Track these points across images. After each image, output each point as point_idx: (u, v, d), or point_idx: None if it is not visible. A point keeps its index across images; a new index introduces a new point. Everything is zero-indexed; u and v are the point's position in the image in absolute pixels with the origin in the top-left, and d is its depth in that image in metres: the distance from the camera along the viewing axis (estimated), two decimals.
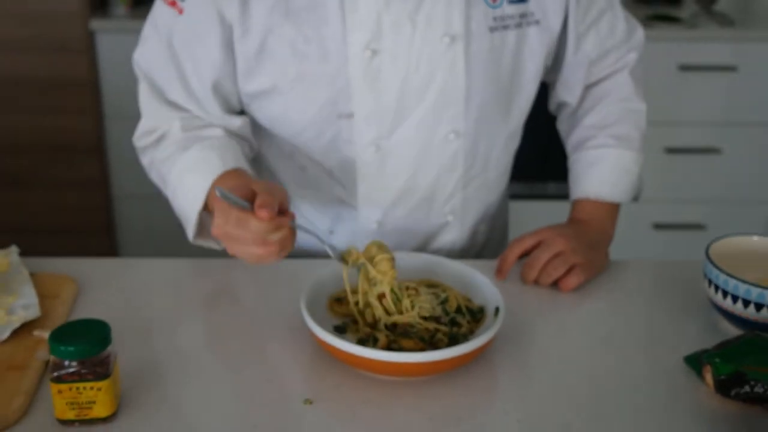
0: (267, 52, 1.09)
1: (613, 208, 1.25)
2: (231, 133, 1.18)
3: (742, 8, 2.88)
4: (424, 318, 0.97)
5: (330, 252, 1.01)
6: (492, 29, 1.12)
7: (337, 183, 1.20)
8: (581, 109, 1.30)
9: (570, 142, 1.31)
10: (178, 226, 1.16)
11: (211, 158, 1.10)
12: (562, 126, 1.35)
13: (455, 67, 1.11)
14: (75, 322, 0.87)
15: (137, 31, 1.17)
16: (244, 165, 1.12)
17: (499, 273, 1.16)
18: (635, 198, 1.29)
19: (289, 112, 1.14)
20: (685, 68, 2.65)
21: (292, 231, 0.97)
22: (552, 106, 1.37)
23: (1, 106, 2.60)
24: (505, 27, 1.13)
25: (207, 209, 1.10)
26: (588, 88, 1.30)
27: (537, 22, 1.16)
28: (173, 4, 1.11)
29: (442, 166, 1.19)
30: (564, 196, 1.33)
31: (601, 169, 1.24)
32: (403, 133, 1.14)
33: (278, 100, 1.13)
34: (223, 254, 1.22)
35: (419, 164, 1.18)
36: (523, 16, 1.14)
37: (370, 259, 0.99)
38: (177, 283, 1.16)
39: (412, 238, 1.25)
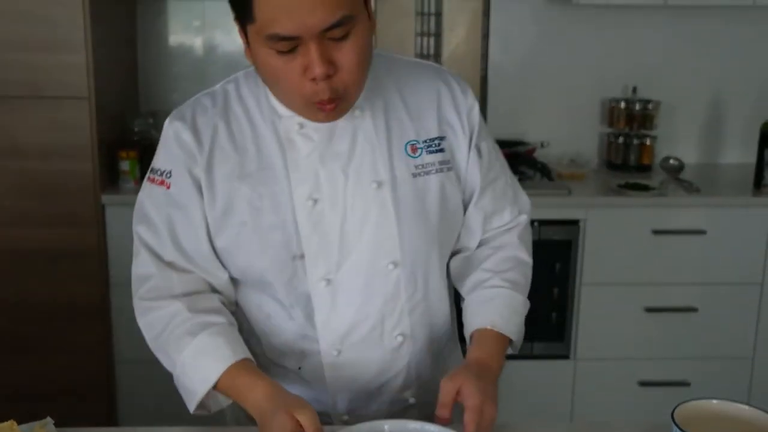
0: (230, 211, 1.29)
1: (504, 344, 1.36)
2: (220, 290, 1.33)
3: (706, 177, 3.07)
4: None
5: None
6: (414, 175, 1.33)
7: (297, 321, 1.34)
8: (479, 257, 1.44)
9: (467, 284, 1.44)
10: (175, 393, 1.27)
11: (221, 345, 1.26)
12: (454, 264, 1.47)
13: (385, 208, 1.31)
14: None
15: None
16: (248, 354, 1.28)
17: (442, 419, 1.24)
18: (515, 348, 1.39)
19: (251, 259, 1.31)
20: (658, 232, 2.81)
21: None
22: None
23: (12, 276, 2.71)
24: (427, 173, 1.34)
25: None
26: (486, 240, 1.45)
27: (450, 168, 1.36)
28: (162, 183, 1.31)
29: (386, 294, 1.34)
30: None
31: (496, 304, 1.38)
32: (348, 267, 1.31)
33: (242, 250, 1.31)
34: (219, 422, 1.31)
35: (366, 294, 1.33)
36: (442, 162, 1.35)
37: None
38: None
39: (371, 362, 1.36)
